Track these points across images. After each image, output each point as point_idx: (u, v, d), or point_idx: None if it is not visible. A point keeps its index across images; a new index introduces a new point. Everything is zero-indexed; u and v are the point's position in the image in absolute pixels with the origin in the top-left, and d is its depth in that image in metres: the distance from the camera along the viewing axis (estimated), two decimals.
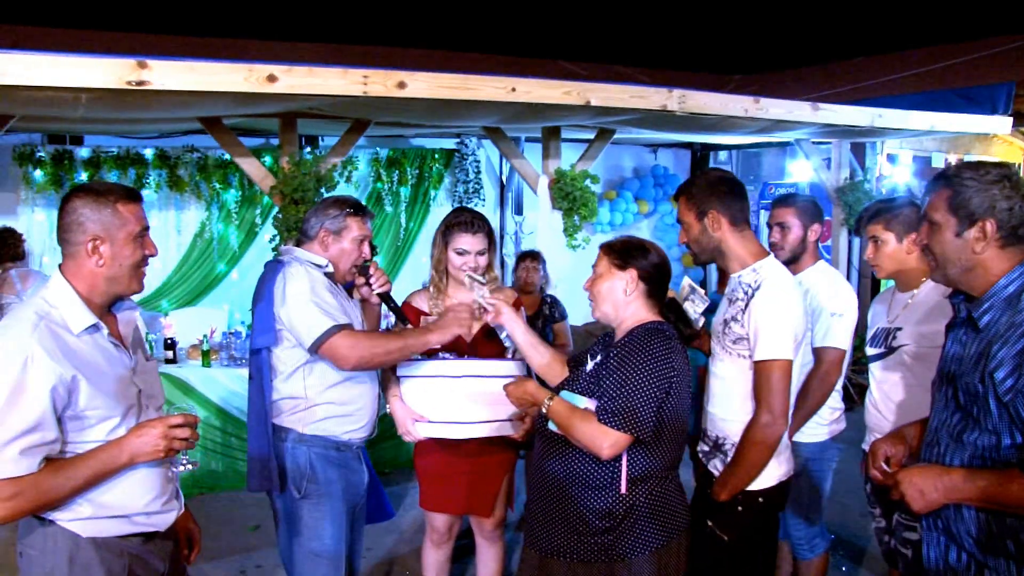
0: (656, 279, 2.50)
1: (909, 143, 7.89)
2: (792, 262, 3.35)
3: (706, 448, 2.73)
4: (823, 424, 3.31)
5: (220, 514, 5.04)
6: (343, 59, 6.21)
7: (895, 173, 7.89)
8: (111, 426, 2.07)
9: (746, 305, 2.56)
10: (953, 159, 8.24)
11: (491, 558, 3.39)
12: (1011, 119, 6.93)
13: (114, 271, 2.09)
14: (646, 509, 2.40)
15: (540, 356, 2.80)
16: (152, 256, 2.17)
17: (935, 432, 2.08)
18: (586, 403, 2.40)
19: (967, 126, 6.76)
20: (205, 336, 5.71)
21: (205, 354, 5.60)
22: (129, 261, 2.11)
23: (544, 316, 5.34)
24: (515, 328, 2.83)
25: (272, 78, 3.81)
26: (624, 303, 2.49)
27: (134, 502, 2.12)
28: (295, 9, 6.94)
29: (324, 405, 2.81)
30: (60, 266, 2.11)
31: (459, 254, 3.14)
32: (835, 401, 3.32)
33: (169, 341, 5.66)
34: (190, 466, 2.25)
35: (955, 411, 2.01)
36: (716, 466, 2.67)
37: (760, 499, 2.60)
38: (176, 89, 3.67)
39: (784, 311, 2.52)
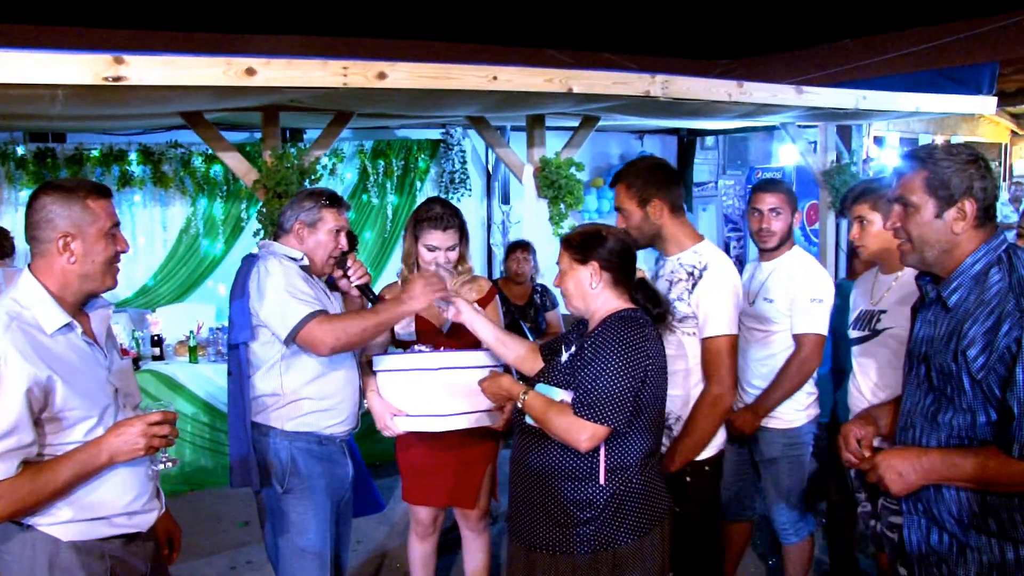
0: (619, 265, 2.46)
1: (896, 125, 7.89)
2: (776, 248, 3.35)
3: None
4: (800, 409, 3.32)
5: (210, 510, 5.02)
6: (323, 51, 6.16)
7: (882, 155, 7.87)
8: (89, 426, 2.04)
9: (692, 286, 2.66)
10: (940, 140, 8.23)
11: (477, 549, 3.38)
12: (996, 99, 6.93)
13: (86, 268, 2.06)
14: (627, 497, 2.38)
15: (511, 351, 2.75)
16: (124, 252, 2.14)
17: (908, 415, 2.08)
18: (562, 395, 2.38)
19: (953, 107, 6.77)
20: (192, 332, 5.68)
21: (192, 350, 5.57)
22: (101, 257, 2.08)
23: (536, 305, 5.36)
24: (479, 327, 2.77)
25: (251, 71, 3.78)
26: (593, 295, 2.46)
27: (114, 503, 2.09)
28: (274, 2, 6.88)
29: (304, 400, 2.79)
30: (30, 265, 2.08)
31: (429, 250, 3.10)
32: (810, 386, 3.34)
33: (156, 338, 5.64)
34: (170, 464, 2.20)
35: (928, 392, 2.01)
36: (662, 441, 2.69)
37: (706, 467, 2.73)
38: (154, 84, 3.65)
39: (731, 291, 2.67)
